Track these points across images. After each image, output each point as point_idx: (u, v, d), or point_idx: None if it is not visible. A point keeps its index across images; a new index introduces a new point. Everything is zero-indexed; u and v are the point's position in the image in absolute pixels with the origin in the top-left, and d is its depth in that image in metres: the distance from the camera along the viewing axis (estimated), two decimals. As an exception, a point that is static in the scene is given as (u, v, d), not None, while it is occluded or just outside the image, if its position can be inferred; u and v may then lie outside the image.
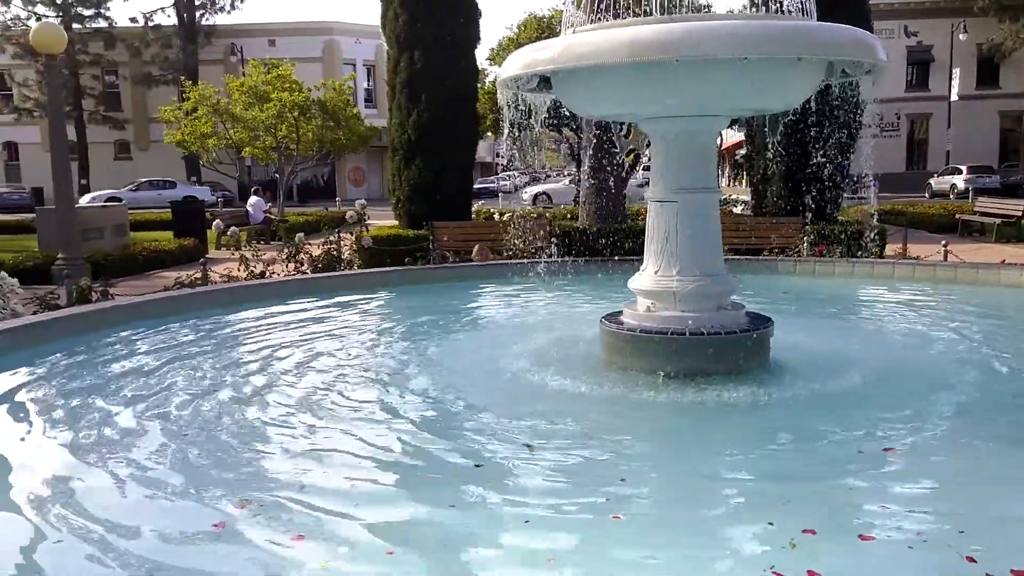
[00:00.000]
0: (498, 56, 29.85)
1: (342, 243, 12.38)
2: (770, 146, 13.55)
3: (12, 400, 5.03)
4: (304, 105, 25.28)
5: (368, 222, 13.48)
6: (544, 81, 5.27)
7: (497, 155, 58.15)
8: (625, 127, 15.89)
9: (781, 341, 5.58)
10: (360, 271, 11.21)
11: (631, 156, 18.81)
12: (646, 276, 5.43)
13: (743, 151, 21.60)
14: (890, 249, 13.06)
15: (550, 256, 11.79)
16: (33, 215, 25.39)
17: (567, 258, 11.82)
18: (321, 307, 8.41)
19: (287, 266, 11.46)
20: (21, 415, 4.76)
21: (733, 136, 38.42)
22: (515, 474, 3.70)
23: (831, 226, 12.94)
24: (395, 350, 6.45)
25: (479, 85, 18.69)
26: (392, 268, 10.84)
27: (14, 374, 5.57)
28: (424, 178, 14.72)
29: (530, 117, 5.80)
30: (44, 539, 3.05)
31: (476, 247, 11.19)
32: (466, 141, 15.16)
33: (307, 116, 25.58)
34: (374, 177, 50.03)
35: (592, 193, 14.64)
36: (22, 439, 4.36)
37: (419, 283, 10.07)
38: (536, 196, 36.54)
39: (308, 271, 11.23)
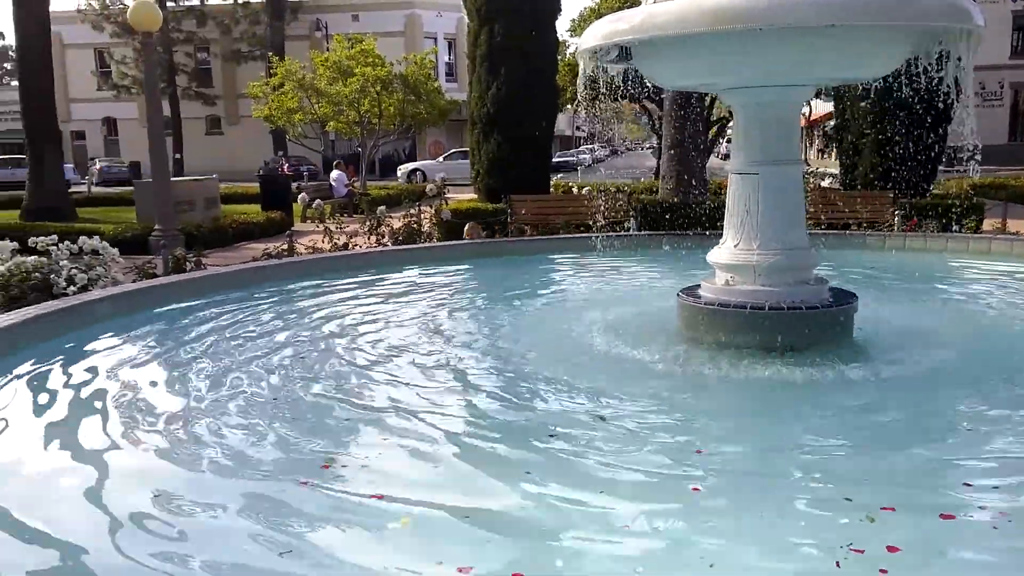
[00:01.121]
0: (579, 27, 29.55)
1: (422, 216, 12.56)
2: (859, 117, 13.11)
3: (115, 361, 5.33)
4: (386, 79, 25.58)
5: (447, 196, 13.61)
6: (624, 52, 5.22)
7: (576, 128, 57.77)
8: (708, 98, 15.58)
9: (866, 317, 5.46)
10: (439, 243, 11.38)
11: (714, 128, 18.45)
12: (725, 249, 5.37)
13: (832, 122, 20.91)
14: (988, 224, 12.51)
15: (629, 230, 11.73)
16: (131, 188, 26.54)
17: (646, 232, 11.74)
18: (401, 279, 8.58)
19: (369, 238, 11.71)
20: (124, 376, 5.03)
21: (822, 107, 37.19)
22: (590, 444, 3.73)
23: (925, 200, 12.46)
24: (472, 321, 6.55)
25: (559, 57, 18.55)
26: (471, 241, 10.95)
27: (116, 338, 5.89)
28: (503, 152, 14.75)
29: (610, 89, 5.76)
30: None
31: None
32: (545, 114, 15.12)
33: (389, 90, 25.87)
34: (453, 150, 50.37)
35: (672, 166, 14.44)
36: (125, 398, 4.61)
37: (497, 255, 10.16)
38: (410, 173, 36.24)
39: (389, 243, 11.45)
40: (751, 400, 4.53)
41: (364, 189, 23.95)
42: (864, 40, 4.49)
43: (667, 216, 12.77)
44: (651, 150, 31.84)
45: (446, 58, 47.39)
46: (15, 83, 61.95)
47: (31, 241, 8.14)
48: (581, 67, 5.30)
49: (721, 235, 5.51)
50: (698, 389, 4.70)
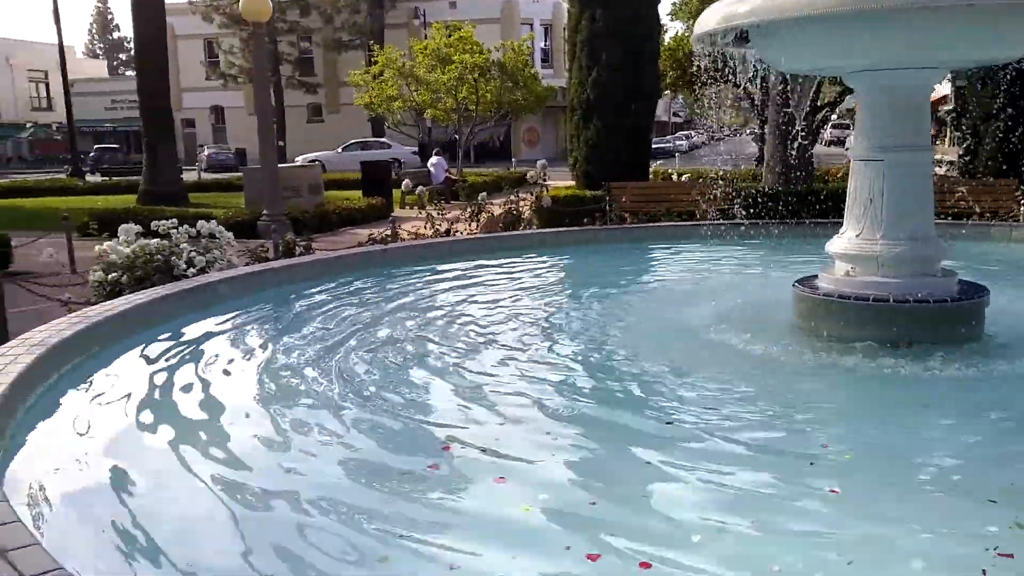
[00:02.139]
0: (680, 11, 29.01)
1: (521, 203, 12.57)
2: (982, 101, 12.41)
3: (236, 339, 5.55)
4: (484, 66, 25.70)
5: (547, 182, 13.55)
6: (741, 35, 5.08)
7: (673, 114, 56.80)
8: (816, 82, 15.04)
9: (996, 312, 5.17)
10: (539, 231, 11.36)
11: (821, 113, 17.81)
12: (846, 239, 5.17)
13: (948, 107, 19.89)
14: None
15: (732, 218, 11.46)
16: (237, 174, 27.51)
17: (750, 220, 11.44)
18: (502, 265, 8.61)
19: (470, 225, 11.80)
20: (244, 353, 5.22)
21: (937, 90, 35.36)
22: (707, 435, 3.66)
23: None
24: (576, 309, 6.52)
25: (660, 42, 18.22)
26: (571, 228, 10.90)
27: (236, 317, 6.13)
28: (602, 138, 14.60)
29: (722, 73, 5.62)
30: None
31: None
32: (646, 100, 14.89)
33: (486, 77, 25.98)
34: (548, 138, 50.28)
35: (777, 153, 14.02)
36: (246, 374, 4.78)
37: (597, 243, 10.11)
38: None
39: (489, 230, 11.50)
40: (877, 395, 4.35)
41: (461, 176, 24.16)
42: (1006, 19, 4.23)
43: (772, 204, 12.41)
44: (752, 136, 30.96)
45: (542, 44, 47.32)
46: (130, 73, 65.01)
47: (153, 224, 8.50)
48: (696, 51, 5.18)
49: (831, 224, 5.32)
50: (817, 382, 4.55)
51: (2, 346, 4.23)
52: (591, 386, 4.48)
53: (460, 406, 4.13)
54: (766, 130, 16.34)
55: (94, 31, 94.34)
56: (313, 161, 33.52)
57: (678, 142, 46.25)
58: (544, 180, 12.28)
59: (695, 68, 5.29)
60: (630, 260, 9.10)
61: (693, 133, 50.11)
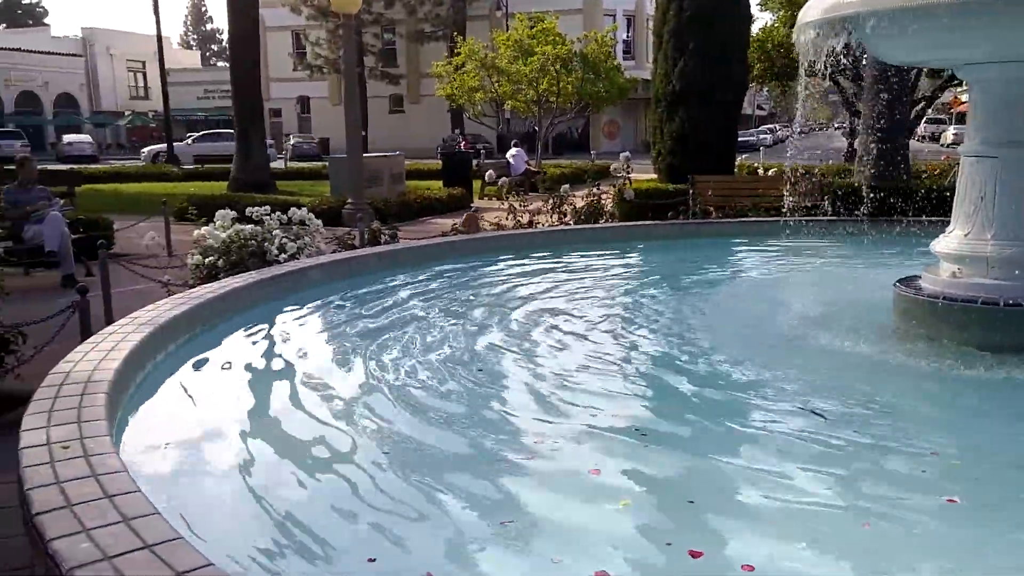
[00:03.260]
0: (770, 1, 28.27)
1: (603, 196, 12.48)
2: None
3: (329, 322, 5.68)
4: (566, 58, 25.58)
5: (630, 175, 13.43)
6: (846, 26, 4.91)
7: (757, 107, 55.64)
8: (914, 74, 14.51)
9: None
10: (622, 223, 11.27)
11: (917, 107, 17.17)
12: (953, 238, 4.97)
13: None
14: None
15: (822, 214, 11.14)
16: (321, 163, 28.06)
17: (840, 217, 11.11)
18: (584, 258, 8.57)
19: (551, 216, 11.78)
20: (337, 336, 5.34)
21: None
22: (804, 438, 3.57)
23: None
24: (661, 305, 6.45)
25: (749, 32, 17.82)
26: (655, 222, 10.78)
27: (325, 301, 6.28)
28: (687, 130, 14.40)
29: (824, 65, 5.45)
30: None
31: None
32: (733, 92, 14.62)
33: (568, 69, 25.85)
34: (628, 130, 49.83)
35: (871, 147, 13.55)
36: (341, 355, 4.88)
37: (681, 238, 9.96)
38: (155, 156, 34.33)
39: (571, 222, 11.47)
40: (984, 403, 4.17)
41: (540, 167, 24.14)
42: None
43: (864, 200, 12.01)
44: (841, 130, 30.07)
45: (624, 35, 46.82)
46: (222, 64, 66.95)
47: (247, 211, 8.75)
48: (800, 42, 5.03)
49: (928, 222, 5.11)
50: (920, 387, 4.39)
51: (112, 324, 4.41)
52: (679, 383, 4.42)
53: (549, 398, 4.12)
54: (858, 124, 15.84)
55: (188, 23, 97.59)
56: (159, 153, 32.73)
57: (762, 136, 45.24)
58: (628, 172, 12.17)
59: (789, 60, 5.13)
60: (715, 255, 8.94)
61: (777, 127, 48.98)
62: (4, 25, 71.18)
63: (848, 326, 5.28)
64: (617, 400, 4.08)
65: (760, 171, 16.44)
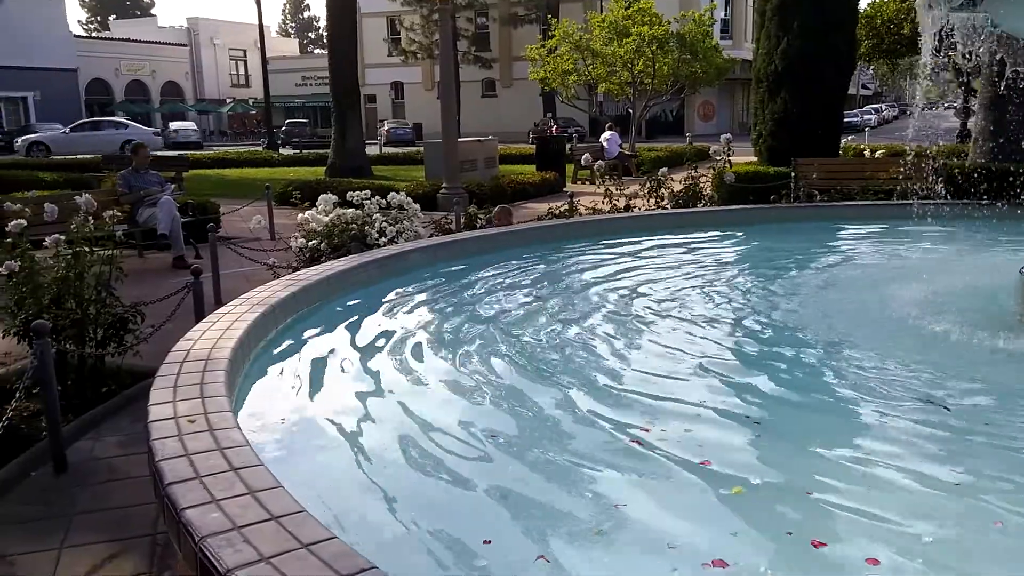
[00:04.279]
0: (876, -25, 27.11)
1: (701, 179, 12.22)
2: None
3: (431, 304, 5.75)
4: (662, 38, 25.13)
5: (730, 158, 13.09)
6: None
7: (863, 86, 53.46)
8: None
9: None
10: (722, 207, 11.03)
11: (1039, 84, 16.14)
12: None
13: None
14: None
15: (935, 198, 10.63)
16: (414, 148, 28.46)
17: (954, 200, 10.58)
18: (685, 242, 8.42)
19: (648, 200, 11.60)
20: (435, 318, 5.40)
21: None
22: (928, 430, 3.41)
23: None
24: (766, 289, 6.28)
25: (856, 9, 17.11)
26: (757, 206, 10.50)
27: (428, 284, 6.37)
28: (789, 111, 13.92)
29: (941, 41, 5.17)
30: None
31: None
32: (839, 71, 14.04)
33: (664, 50, 25.40)
34: (723, 112, 48.72)
35: (988, 127, 12.84)
36: (434, 337, 4.93)
37: (786, 222, 9.67)
38: (31, 146, 32.32)
39: (668, 206, 11.27)
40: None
41: (634, 151, 23.85)
42: None
43: (980, 183, 11.41)
44: (952, 110, 28.60)
45: (721, 14, 45.67)
46: (319, 51, 68.50)
47: (348, 195, 8.92)
48: (921, 16, 4.78)
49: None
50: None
51: (227, 304, 4.57)
52: (791, 371, 4.30)
53: (654, 384, 4.06)
54: (973, 103, 15.03)
55: (287, 11, 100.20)
56: (35, 143, 31.85)
57: (866, 116, 43.54)
58: (728, 155, 11.88)
59: (899, 36, 4.87)
60: (822, 240, 8.65)
61: (883, 106, 46.98)
62: (114, 16, 74.63)
63: (967, 313, 5.03)
64: (726, 387, 3.99)
65: (867, 153, 15.80)
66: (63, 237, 5.05)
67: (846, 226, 9.52)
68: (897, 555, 2.44)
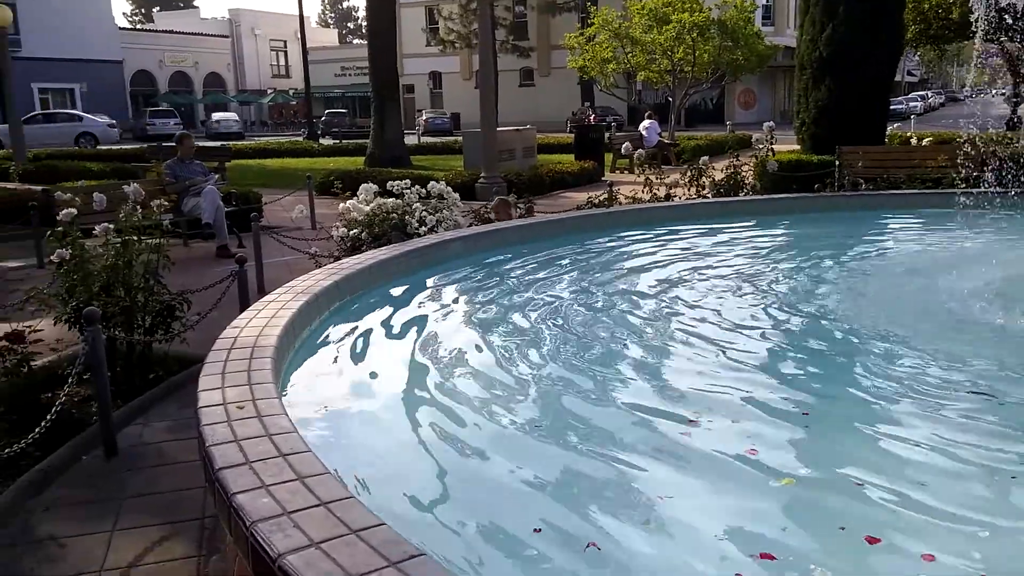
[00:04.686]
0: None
1: (743, 167, 12.06)
2: None
3: (469, 294, 5.76)
4: (703, 25, 24.82)
5: (773, 146, 12.91)
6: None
7: (908, 72, 52.28)
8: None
9: None
10: (765, 196, 10.87)
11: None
12: None
13: None
14: None
15: (985, 186, 10.37)
16: (452, 137, 28.49)
17: (1006, 189, 10.31)
18: (727, 231, 8.32)
19: (689, 189, 11.50)
20: (475, 307, 5.41)
21: None
22: (982, 423, 3.33)
23: None
24: (812, 279, 6.18)
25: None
26: (801, 194, 10.34)
27: (468, 272, 6.38)
28: (834, 99, 13.67)
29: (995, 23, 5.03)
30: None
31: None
32: (886, 57, 13.74)
33: (705, 37, 25.10)
34: (764, 100, 48.04)
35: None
36: (475, 326, 4.94)
37: (828, 210, 9.51)
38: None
39: (709, 195, 11.16)
40: None
41: (674, 139, 23.62)
42: None
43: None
44: (1002, 96, 27.87)
45: (763, 0, 44.98)
46: (358, 41, 68.81)
47: (389, 184, 8.96)
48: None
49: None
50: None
51: (272, 292, 4.61)
52: (840, 361, 4.23)
53: (701, 374, 4.02)
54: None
55: (326, 1, 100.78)
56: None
57: (912, 103, 42.63)
58: (771, 143, 11.71)
59: (948, 21, 4.73)
60: (868, 229, 8.50)
61: (929, 93, 45.96)
62: (158, 8, 75.74)
63: (1020, 303, 4.89)
64: (772, 377, 3.94)
65: (913, 141, 15.47)
66: (112, 226, 5.13)
67: (893, 215, 9.33)
68: (953, 551, 2.39)
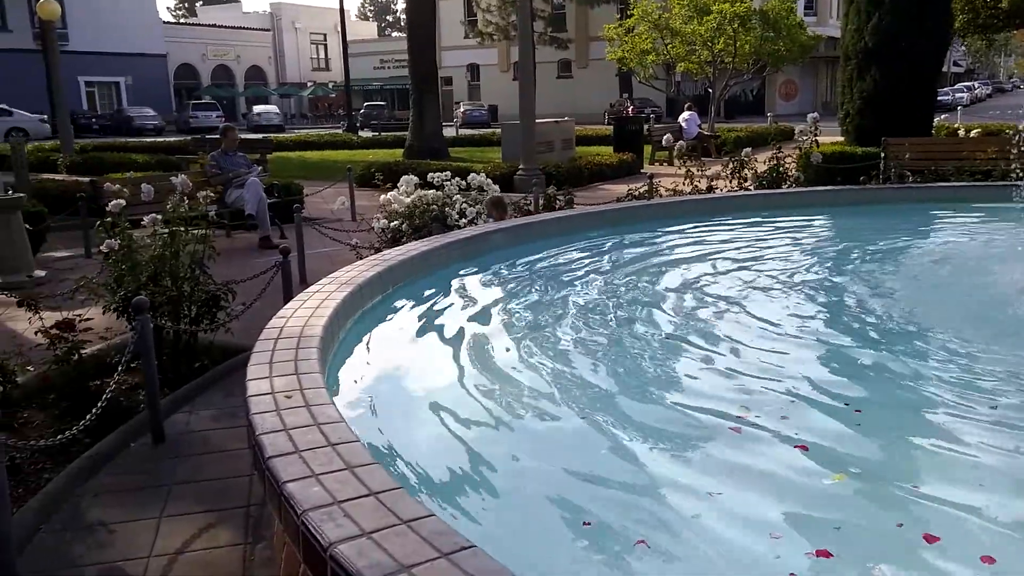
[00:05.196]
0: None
1: (786, 159, 11.88)
2: None
3: (509, 286, 5.76)
4: (745, 15, 24.48)
5: (817, 137, 12.70)
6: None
7: (954, 63, 51.13)
8: None
9: None
10: (809, 188, 10.70)
11: None
12: None
13: None
14: None
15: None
16: (489, 129, 28.48)
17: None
18: (770, 223, 8.21)
19: (730, 181, 11.35)
20: (516, 299, 5.39)
21: None
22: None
23: None
24: (858, 273, 6.06)
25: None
26: (846, 187, 10.15)
27: (507, 265, 6.36)
28: (880, 89, 13.37)
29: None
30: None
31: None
32: (933, 47, 13.40)
33: (746, 27, 24.75)
34: (806, 91, 47.32)
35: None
36: (516, 318, 4.92)
37: (875, 203, 9.35)
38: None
39: (752, 187, 11.01)
40: None
41: (713, 131, 23.36)
42: None
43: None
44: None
45: (806, -11, 44.29)
46: (397, 34, 69.04)
47: (429, 176, 8.97)
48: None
49: None
50: None
51: (316, 283, 4.64)
52: (891, 357, 4.13)
53: (748, 370, 3.96)
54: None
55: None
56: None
57: (958, 94, 41.69)
58: (816, 134, 11.52)
59: (997, 10, 4.58)
60: (916, 222, 8.33)
61: (976, 84, 44.89)
62: (201, 2, 76.68)
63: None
64: (821, 372, 3.87)
65: (960, 132, 15.12)
66: (160, 217, 5.20)
67: (941, 209, 9.13)
68: (1013, 554, 2.32)
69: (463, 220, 8.07)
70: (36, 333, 4.69)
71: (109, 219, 5.13)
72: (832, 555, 2.26)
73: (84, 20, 42.66)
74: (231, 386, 4.76)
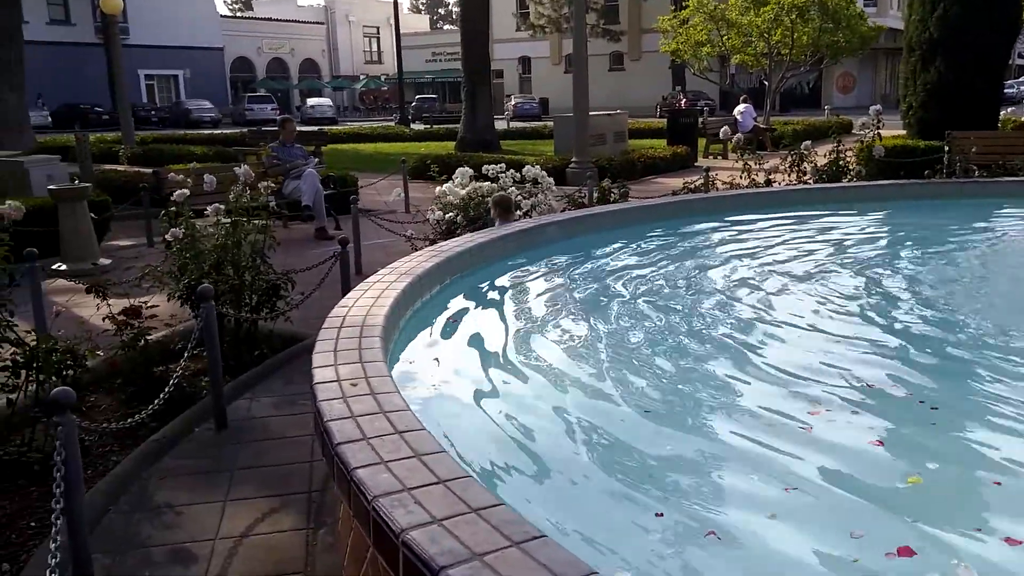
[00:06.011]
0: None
1: (847, 152, 11.62)
2: None
3: (566, 278, 5.74)
4: (803, 6, 23.99)
5: (880, 129, 12.40)
6: None
7: (1019, 55, 49.37)
8: None
9: None
10: (871, 183, 10.45)
11: None
12: None
13: None
14: None
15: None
16: (541, 122, 28.41)
17: None
18: (832, 218, 8.04)
19: (789, 175, 11.15)
20: (572, 291, 5.36)
21: None
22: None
23: None
24: (924, 269, 5.92)
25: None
26: (909, 181, 9.89)
27: (563, 257, 6.33)
28: (944, 82, 13.01)
29: None
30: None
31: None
32: (1001, 38, 13.00)
33: (805, 18, 24.25)
34: (864, 84, 46.27)
35: None
36: (579, 310, 4.89)
37: (939, 198, 9.06)
38: None
39: (811, 181, 10.79)
40: None
41: (768, 124, 22.97)
42: None
43: None
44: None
45: (868, -21, 43.25)
46: (448, 27, 69.27)
47: (484, 168, 8.97)
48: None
49: None
50: None
51: (375, 273, 4.66)
52: (960, 354, 4.02)
53: (816, 366, 3.86)
54: None
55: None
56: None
57: (1022, 87, 40.34)
58: (879, 128, 11.24)
59: None
60: (984, 218, 8.06)
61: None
62: (256, -4, 77.79)
63: None
64: (892, 370, 3.75)
65: (1029, 125, 14.64)
66: (223, 207, 5.28)
67: (1010, 204, 8.83)
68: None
69: (518, 212, 8.06)
70: (104, 319, 4.80)
71: (172, 208, 5.23)
72: (915, 553, 2.19)
73: (144, 14, 43.63)
74: (291, 374, 4.82)
